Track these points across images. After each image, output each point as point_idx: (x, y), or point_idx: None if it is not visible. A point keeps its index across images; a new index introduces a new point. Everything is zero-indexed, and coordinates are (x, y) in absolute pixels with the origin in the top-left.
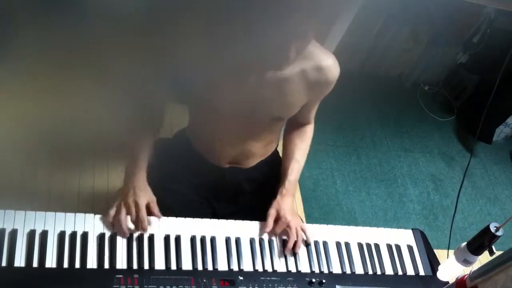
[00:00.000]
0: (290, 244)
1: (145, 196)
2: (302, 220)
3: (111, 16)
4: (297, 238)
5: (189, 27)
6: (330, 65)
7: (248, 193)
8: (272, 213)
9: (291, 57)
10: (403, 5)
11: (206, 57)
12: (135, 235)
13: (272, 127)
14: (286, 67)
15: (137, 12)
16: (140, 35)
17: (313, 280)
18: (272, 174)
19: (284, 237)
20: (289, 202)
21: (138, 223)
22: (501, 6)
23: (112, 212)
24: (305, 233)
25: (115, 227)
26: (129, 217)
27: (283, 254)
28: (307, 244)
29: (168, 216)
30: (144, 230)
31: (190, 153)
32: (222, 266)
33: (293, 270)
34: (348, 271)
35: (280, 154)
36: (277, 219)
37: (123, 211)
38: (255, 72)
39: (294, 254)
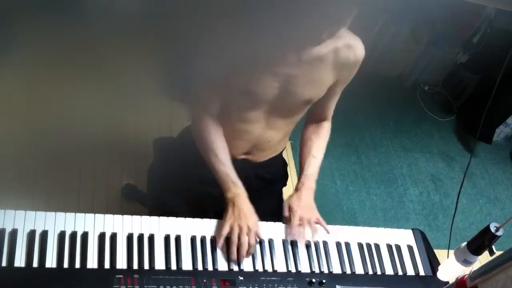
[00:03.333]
0: (291, 231)
1: (253, 219)
2: None
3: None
4: (300, 229)
5: (227, 11)
6: (359, 45)
7: (254, 191)
8: (284, 207)
9: (324, 37)
10: (403, 5)
11: (246, 41)
12: (136, 235)
13: (296, 115)
14: (321, 44)
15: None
16: (169, 27)
17: (313, 280)
18: (277, 174)
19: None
20: (304, 196)
21: (246, 245)
22: (501, 6)
23: (225, 232)
24: (321, 224)
25: (230, 249)
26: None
27: (289, 252)
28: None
29: (169, 216)
30: (248, 255)
31: None
32: (222, 266)
33: (293, 270)
34: (348, 271)
35: (285, 158)
36: (290, 212)
37: (236, 233)
38: (293, 51)
39: (294, 254)
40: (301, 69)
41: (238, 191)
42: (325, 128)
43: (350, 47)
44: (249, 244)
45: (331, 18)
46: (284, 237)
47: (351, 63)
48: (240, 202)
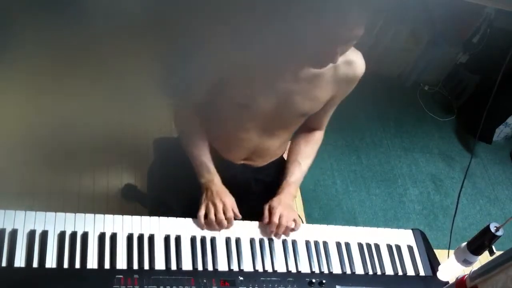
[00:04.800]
0: (271, 227)
1: (228, 198)
2: (302, 220)
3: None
4: (279, 224)
5: (230, 23)
6: (359, 61)
7: (254, 194)
8: (265, 207)
9: (335, 61)
10: (403, 5)
11: (244, 54)
12: (136, 235)
13: (293, 125)
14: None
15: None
16: (167, 34)
17: (313, 280)
18: (277, 177)
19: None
20: (283, 199)
21: (224, 221)
22: (501, 6)
23: (202, 213)
24: (295, 223)
25: (208, 227)
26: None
27: (283, 252)
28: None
29: (169, 216)
30: (229, 227)
31: None
32: (222, 266)
33: (293, 270)
34: (348, 271)
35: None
36: (270, 212)
37: (212, 211)
38: (292, 68)
39: (294, 254)
40: (299, 85)
41: (211, 177)
42: (316, 137)
43: (351, 63)
44: (227, 218)
45: (343, 42)
46: (283, 237)
47: (350, 79)
48: (212, 185)
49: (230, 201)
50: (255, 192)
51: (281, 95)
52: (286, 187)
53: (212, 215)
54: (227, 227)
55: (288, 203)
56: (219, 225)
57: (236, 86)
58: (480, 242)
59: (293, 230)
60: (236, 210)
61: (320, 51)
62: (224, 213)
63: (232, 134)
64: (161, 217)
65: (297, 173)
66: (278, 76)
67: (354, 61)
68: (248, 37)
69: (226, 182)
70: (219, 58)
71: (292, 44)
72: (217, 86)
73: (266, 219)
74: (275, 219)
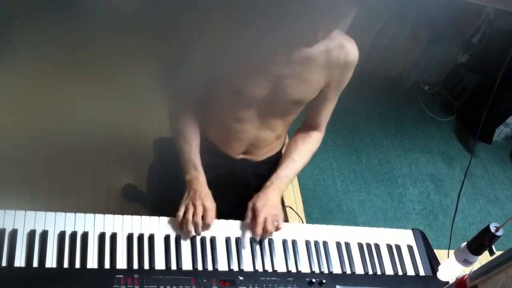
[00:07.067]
0: (254, 230)
1: (209, 202)
2: (302, 220)
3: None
4: (264, 231)
5: (220, 10)
6: (352, 46)
7: (253, 190)
8: (248, 206)
9: (319, 38)
10: (403, 5)
11: (236, 39)
12: (136, 235)
13: (288, 115)
14: (312, 46)
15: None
16: (161, 27)
17: (313, 280)
18: None
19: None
20: (270, 196)
21: (202, 225)
22: (501, 6)
23: (180, 213)
24: (279, 223)
25: (183, 227)
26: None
27: (282, 253)
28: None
29: (169, 216)
30: (207, 228)
31: (200, 147)
32: (222, 266)
33: (293, 270)
34: (348, 271)
35: None
36: (253, 210)
37: (191, 212)
38: (284, 51)
39: (294, 254)
40: (291, 69)
41: (197, 175)
42: (314, 138)
43: (342, 48)
44: (205, 224)
45: (327, 19)
46: (283, 237)
47: (343, 64)
48: (196, 184)
49: (211, 206)
50: (254, 188)
51: (274, 80)
52: (276, 180)
53: (189, 216)
54: (203, 230)
55: (274, 201)
56: (195, 229)
57: (229, 72)
58: (480, 242)
59: (278, 229)
60: (212, 217)
61: (310, 28)
62: (203, 217)
63: (229, 126)
64: (161, 217)
65: (289, 168)
66: (270, 60)
67: (346, 46)
68: (239, 22)
69: (225, 178)
70: (213, 46)
71: (280, 23)
72: (213, 74)
73: (249, 220)
74: (259, 226)
